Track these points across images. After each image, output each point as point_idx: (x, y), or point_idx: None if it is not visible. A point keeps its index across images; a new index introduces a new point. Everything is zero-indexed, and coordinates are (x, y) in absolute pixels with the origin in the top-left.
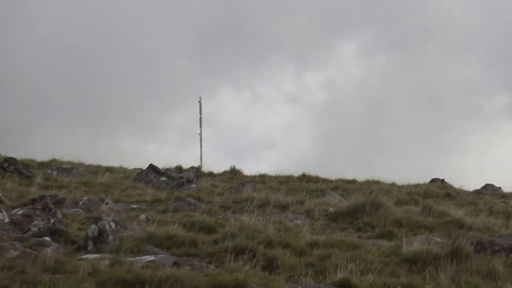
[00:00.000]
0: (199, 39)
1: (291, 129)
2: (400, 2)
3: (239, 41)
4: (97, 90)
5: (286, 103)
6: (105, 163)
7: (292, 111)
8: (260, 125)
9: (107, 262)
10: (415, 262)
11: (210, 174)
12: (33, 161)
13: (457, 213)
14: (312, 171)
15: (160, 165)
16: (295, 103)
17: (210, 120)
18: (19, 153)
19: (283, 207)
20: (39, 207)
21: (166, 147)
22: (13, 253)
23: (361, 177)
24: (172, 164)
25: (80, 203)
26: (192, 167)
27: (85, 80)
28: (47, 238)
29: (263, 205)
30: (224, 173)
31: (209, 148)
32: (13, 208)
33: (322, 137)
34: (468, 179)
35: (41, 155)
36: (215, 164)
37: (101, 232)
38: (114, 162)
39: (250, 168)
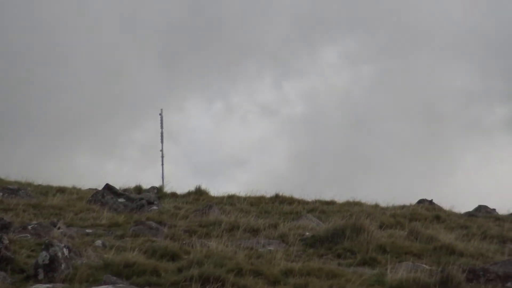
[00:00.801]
0: (164, 44)
1: (266, 145)
2: (390, 4)
3: (210, 46)
4: (49, 103)
5: (261, 115)
6: (57, 183)
7: (268, 125)
8: (231, 140)
9: None
10: None
11: (173, 195)
12: None
13: (447, 237)
14: (288, 191)
15: (119, 185)
16: (271, 115)
17: (175, 135)
18: None
19: (255, 231)
20: None
21: (127, 165)
22: None
23: (341, 198)
24: (131, 184)
25: (29, 227)
26: (153, 187)
27: (34, 91)
28: None
29: (232, 229)
30: (189, 193)
31: (174, 166)
32: None
33: (300, 154)
34: (460, 200)
35: None
36: (181, 183)
37: (53, 260)
38: (68, 182)
39: (220, 188)
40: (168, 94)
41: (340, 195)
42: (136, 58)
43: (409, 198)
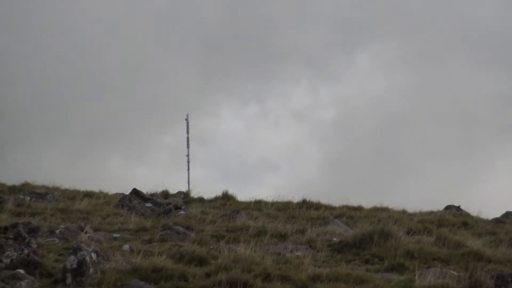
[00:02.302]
0: (200, 48)
1: (298, 150)
2: (426, 10)
3: (246, 50)
4: (80, 108)
5: (294, 120)
6: (88, 187)
7: (300, 130)
8: (264, 145)
9: None
10: None
11: (200, 199)
12: (3, 185)
13: (475, 243)
14: (319, 196)
15: (148, 189)
16: (304, 120)
17: (208, 140)
18: None
19: (282, 237)
20: (11, 236)
21: (157, 170)
22: None
23: (371, 203)
24: (160, 188)
25: (57, 231)
26: (180, 192)
27: (67, 97)
28: (21, 271)
29: (259, 234)
30: (216, 199)
31: (206, 170)
32: None
33: (331, 159)
34: (489, 206)
35: (12, 179)
36: (212, 188)
37: (81, 264)
38: (98, 187)
39: (251, 193)
40: (202, 98)
41: (370, 201)
42: (171, 63)
43: (439, 203)
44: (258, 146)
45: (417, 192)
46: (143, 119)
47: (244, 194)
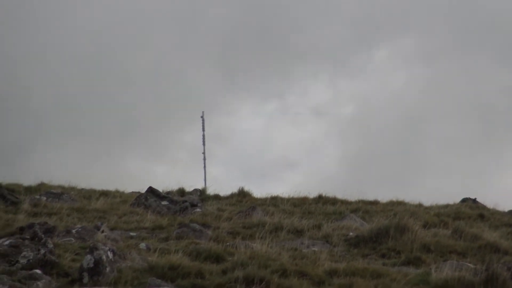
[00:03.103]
0: (221, 46)
1: (318, 146)
2: (445, 4)
3: (266, 48)
4: (99, 107)
5: (313, 116)
6: (107, 187)
7: (320, 126)
8: (283, 141)
9: None
10: None
11: (216, 197)
12: (19, 185)
13: (491, 236)
14: (338, 192)
15: (167, 187)
16: (323, 116)
17: (227, 137)
18: (4, 177)
19: (298, 232)
20: (28, 237)
21: (176, 168)
22: None
23: (389, 198)
24: (177, 186)
25: (73, 231)
26: (196, 190)
27: (85, 96)
28: (38, 271)
29: (276, 230)
30: (232, 195)
31: (225, 167)
32: None
33: (350, 155)
34: (505, 198)
35: (33, 179)
36: (231, 185)
37: (98, 263)
38: (118, 186)
39: (271, 190)
40: (221, 96)
41: (389, 195)
42: (191, 62)
43: (458, 196)
44: (278, 143)
45: (435, 186)
46: (163, 118)
47: (264, 191)
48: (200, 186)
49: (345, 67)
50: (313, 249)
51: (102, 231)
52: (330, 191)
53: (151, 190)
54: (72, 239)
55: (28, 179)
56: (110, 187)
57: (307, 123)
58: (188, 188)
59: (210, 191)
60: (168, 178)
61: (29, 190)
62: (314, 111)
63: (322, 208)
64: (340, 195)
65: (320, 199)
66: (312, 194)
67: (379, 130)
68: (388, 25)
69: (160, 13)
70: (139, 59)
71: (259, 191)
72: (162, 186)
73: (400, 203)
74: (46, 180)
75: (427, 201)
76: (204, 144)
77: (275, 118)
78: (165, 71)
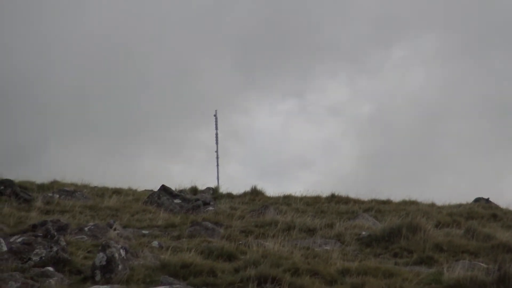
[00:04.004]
0: (239, 44)
1: (335, 145)
2: (465, 3)
3: (283, 46)
4: (116, 105)
5: (331, 115)
6: (123, 185)
7: (337, 124)
8: (300, 140)
9: None
10: None
11: (229, 195)
12: (32, 183)
13: (504, 235)
14: (355, 191)
15: (182, 186)
16: (341, 115)
17: (244, 135)
18: (17, 175)
19: (311, 231)
20: (40, 234)
21: (192, 167)
22: (13, 285)
23: (403, 197)
24: (190, 184)
25: (86, 229)
26: (208, 188)
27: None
28: (50, 268)
29: (288, 229)
30: (244, 194)
31: (242, 166)
32: (12, 235)
33: (367, 154)
34: None
35: (41, 177)
36: (248, 184)
37: (110, 261)
38: (134, 184)
39: (287, 189)
40: (238, 95)
41: (405, 195)
42: (209, 60)
43: (472, 196)
44: (295, 142)
45: (451, 185)
46: (180, 116)
47: (280, 190)
48: (214, 184)
49: (364, 66)
50: (326, 248)
51: (115, 229)
52: (345, 191)
53: (163, 188)
54: (85, 236)
55: (41, 177)
56: (126, 185)
57: (325, 122)
58: (201, 186)
59: (223, 189)
60: (183, 177)
61: (41, 187)
62: (331, 110)
63: (335, 207)
64: (353, 195)
65: (333, 198)
66: (325, 193)
67: (396, 129)
68: (407, 23)
69: (180, 12)
70: (158, 58)
71: (276, 190)
72: (177, 184)
73: (412, 203)
74: (58, 177)
75: (442, 200)
76: (217, 143)
77: (293, 117)
78: (183, 70)
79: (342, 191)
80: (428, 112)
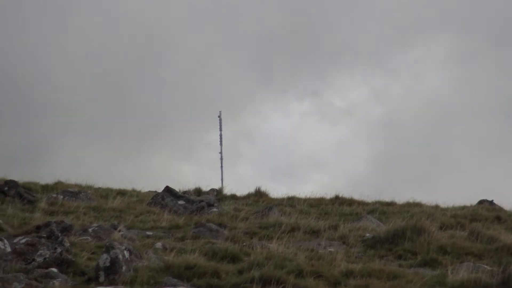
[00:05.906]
0: (256, 47)
1: (348, 146)
2: (481, 5)
3: (300, 48)
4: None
5: (346, 116)
6: (133, 186)
7: (353, 125)
8: (313, 141)
9: None
10: None
11: (233, 196)
12: (36, 184)
13: (508, 238)
14: (363, 193)
15: (189, 187)
16: (356, 116)
17: (257, 136)
18: (22, 176)
19: (315, 233)
20: (44, 235)
21: (202, 168)
22: (17, 286)
23: (410, 198)
24: (195, 186)
25: (90, 230)
26: (212, 190)
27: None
28: (54, 269)
29: (292, 230)
30: (248, 195)
31: (254, 167)
32: (15, 236)
33: (379, 155)
34: None
35: (45, 178)
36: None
37: (114, 262)
38: (143, 185)
39: (298, 190)
40: (254, 95)
41: (413, 196)
42: (226, 61)
43: (479, 197)
44: (309, 143)
45: (458, 187)
46: (191, 117)
47: (290, 191)
48: (219, 186)
49: (380, 67)
50: (330, 249)
51: (119, 230)
52: (355, 192)
53: (167, 190)
54: (89, 238)
55: (46, 178)
56: (133, 186)
57: (340, 123)
58: (205, 187)
59: (227, 190)
60: (192, 177)
61: (46, 188)
62: (347, 111)
63: (339, 209)
64: (357, 196)
65: (337, 199)
66: (328, 195)
67: (411, 131)
68: (424, 24)
69: (195, 12)
70: (172, 58)
71: (287, 191)
72: (185, 185)
73: (416, 205)
74: (63, 178)
75: (447, 202)
76: (221, 144)
77: (307, 118)
78: (198, 71)
79: (349, 193)
80: (442, 113)
